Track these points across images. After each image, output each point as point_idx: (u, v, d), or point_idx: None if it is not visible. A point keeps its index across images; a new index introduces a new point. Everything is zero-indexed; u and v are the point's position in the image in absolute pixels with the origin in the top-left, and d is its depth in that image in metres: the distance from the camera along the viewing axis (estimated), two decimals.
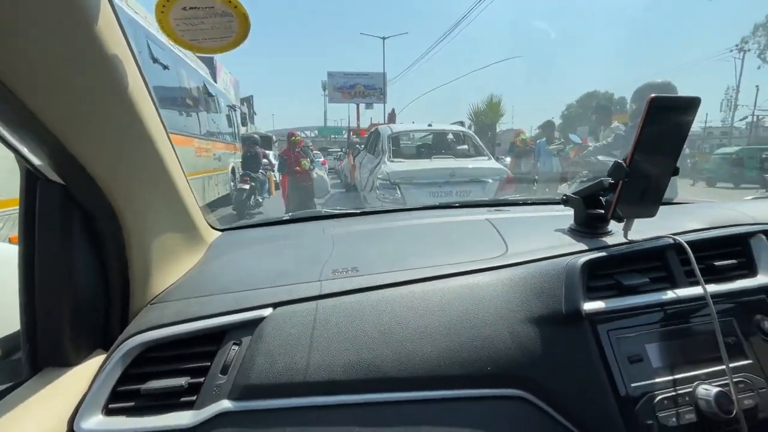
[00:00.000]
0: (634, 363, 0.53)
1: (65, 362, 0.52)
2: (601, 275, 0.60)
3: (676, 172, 0.62)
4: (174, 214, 0.66)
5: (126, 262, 0.56)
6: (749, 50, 21.01)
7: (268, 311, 0.54)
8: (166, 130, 0.58)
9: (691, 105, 0.56)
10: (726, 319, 0.59)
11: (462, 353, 0.52)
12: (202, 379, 0.49)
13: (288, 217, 1.07)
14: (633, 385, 0.52)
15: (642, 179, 0.60)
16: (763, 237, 0.66)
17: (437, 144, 5.70)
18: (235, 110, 9.79)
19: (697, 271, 0.56)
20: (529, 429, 0.51)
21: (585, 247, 0.64)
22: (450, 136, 5.78)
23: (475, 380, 0.51)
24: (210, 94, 7.33)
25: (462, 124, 6.47)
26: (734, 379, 0.54)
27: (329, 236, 0.86)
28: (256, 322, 0.53)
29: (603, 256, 0.59)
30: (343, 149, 14.71)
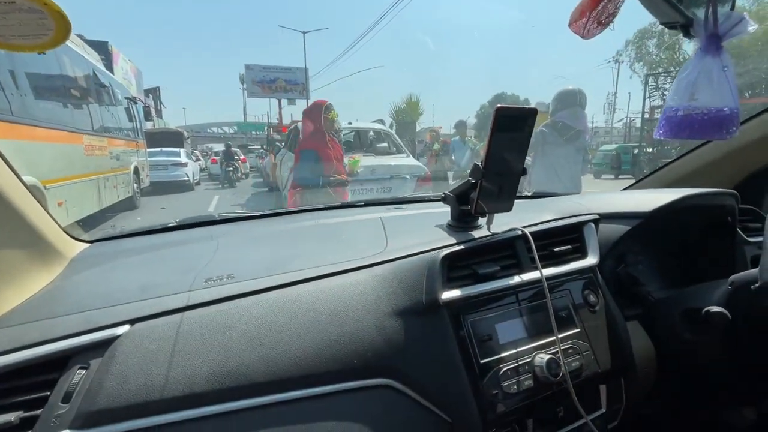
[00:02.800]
0: (485, 342, 0.61)
1: None
2: (461, 266, 0.66)
3: (524, 172, 0.71)
4: (8, 230, 0.58)
5: None
6: (623, 62, 24.72)
7: (123, 329, 0.51)
8: None
9: (530, 114, 0.65)
10: (562, 296, 0.70)
11: (329, 350, 0.54)
12: (38, 412, 0.45)
13: (174, 223, 1.00)
14: (483, 361, 0.59)
15: (497, 178, 0.68)
16: (592, 225, 0.79)
17: (358, 142, 5.76)
18: (136, 103, 8.76)
19: (536, 257, 0.66)
20: (396, 413, 0.55)
21: (453, 241, 0.70)
22: (371, 134, 5.87)
23: (343, 374, 0.54)
24: (102, 84, 6.46)
25: (382, 122, 6.61)
26: (564, 347, 0.64)
27: (215, 242, 0.82)
28: (109, 342, 0.49)
29: (462, 249, 0.66)
30: (264, 146, 14.08)
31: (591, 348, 0.68)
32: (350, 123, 5.66)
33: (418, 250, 0.66)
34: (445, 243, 0.69)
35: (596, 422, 0.66)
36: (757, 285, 0.56)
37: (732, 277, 0.66)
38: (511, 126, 0.65)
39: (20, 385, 0.46)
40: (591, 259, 0.75)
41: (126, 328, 0.51)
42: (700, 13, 0.39)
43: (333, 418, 0.51)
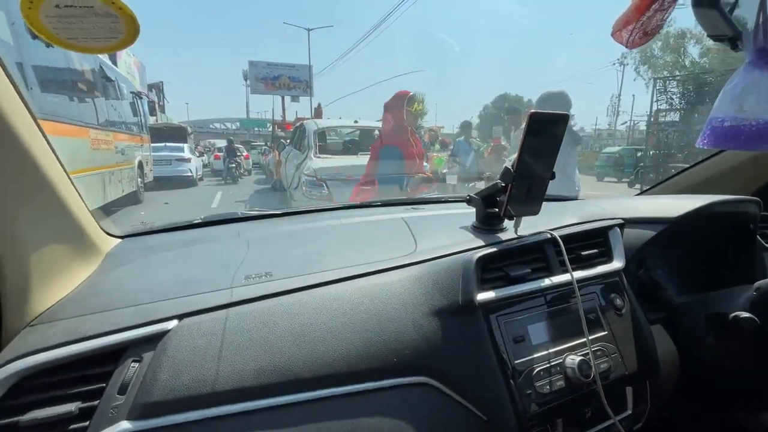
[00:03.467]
0: (518, 343, 0.62)
1: None
2: (493, 268, 0.68)
3: (553, 176, 0.73)
4: (56, 223, 0.59)
5: None
6: (627, 64, 24.75)
7: (173, 323, 0.52)
8: (39, 128, 0.52)
9: (562, 119, 0.66)
10: (590, 299, 0.71)
11: (371, 348, 0.55)
12: (96, 402, 0.46)
13: (200, 220, 1.01)
14: (516, 362, 0.60)
15: (526, 182, 0.69)
16: (617, 230, 0.81)
17: (364, 140, 5.76)
18: (140, 98, 8.77)
19: (567, 261, 0.67)
20: (433, 410, 0.56)
21: (482, 243, 0.71)
22: (376, 132, 5.87)
23: (383, 372, 0.55)
24: (108, 78, 6.47)
25: None
26: (593, 349, 0.66)
27: (244, 240, 0.84)
28: (160, 336, 0.51)
29: (494, 252, 0.67)
30: (268, 143, 14.06)
31: (618, 350, 0.69)
32: (356, 121, 5.66)
33: (452, 251, 0.68)
34: (476, 245, 0.71)
35: (623, 423, 0.67)
36: None
37: (757, 284, 0.67)
38: (542, 131, 0.66)
39: (77, 377, 0.48)
40: (617, 263, 0.76)
41: (175, 323, 0.52)
42: (750, 26, 0.40)
43: (375, 413, 0.53)
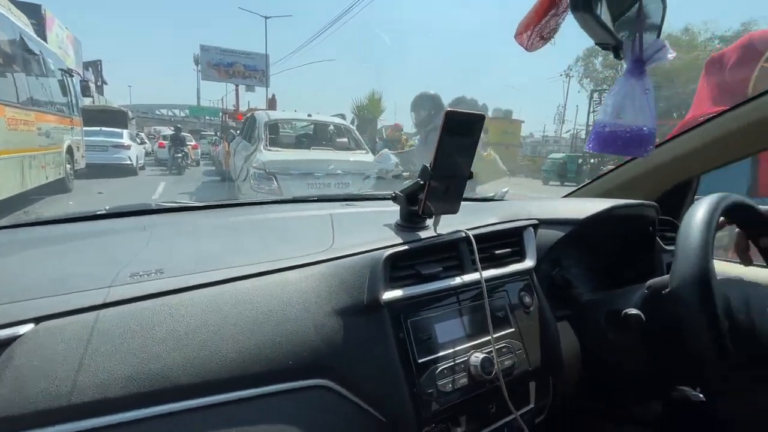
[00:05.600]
0: (424, 341, 0.62)
1: None
2: (405, 266, 0.67)
3: (471, 175, 0.73)
4: None
5: None
6: (572, 76, 26.52)
7: (26, 328, 0.45)
8: None
9: (478, 119, 0.67)
10: (500, 297, 0.73)
11: (265, 351, 0.52)
12: None
13: (104, 211, 0.91)
14: (420, 361, 0.60)
15: (444, 180, 0.69)
16: (531, 230, 0.84)
17: (317, 135, 5.66)
18: (72, 76, 7.97)
19: (477, 259, 0.68)
20: (330, 413, 0.54)
21: (399, 241, 0.70)
22: (331, 127, 5.79)
23: (278, 376, 0.52)
24: (31, 51, 5.80)
25: (343, 117, 6.55)
26: (498, 346, 0.67)
27: (148, 234, 0.77)
28: (6, 343, 0.44)
29: (406, 249, 0.67)
30: (218, 133, 13.39)
31: (524, 347, 0.71)
32: (310, 115, 5.54)
33: (363, 249, 0.66)
34: (391, 243, 0.69)
35: (525, 417, 0.69)
36: (667, 290, 0.62)
37: (649, 282, 0.72)
38: (459, 130, 0.66)
39: None
40: (528, 262, 0.78)
41: (29, 327, 0.45)
42: (629, 37, 0.42)
43: (266, 420, 0.50)
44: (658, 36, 0.50)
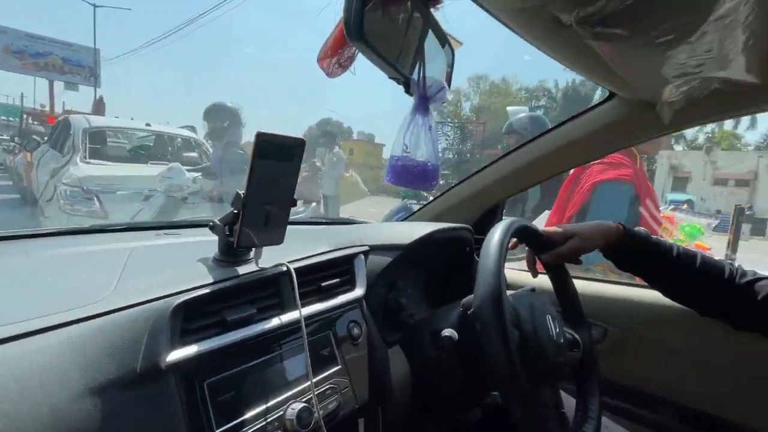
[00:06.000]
0: (227, 405, 0.52)
1: None
2: (210, 312, 0.56)
3: (294, 203, 0.68)
4: None
5: None
6: None
7: None
8: None
9: (296, 145, 0.62)
10: (325, 333, 0.68)
11: None
12: None
13: None
14: (220, 430, 0.50)
15: (262, 208, 0.61)
16: (362, 257, 0.83)
17: (159, 148, 4.91)
18: None
19: (297, 296, 0.62)
20: None
21: (208, 281, 0.59)
22: (178, 140, 5.10)
23: None
24: None
25: (194, 129, 5.85)
26: (322, 389, 0.62)
27: None
28: None
29: (210, 292, 0.56)
30: (16, 139, 10.41)
31: (350, 383, 0.68)
32: (148, 124, 4.78)
33: (146, 298, 0.52)
34: (194, 284, 0.58)
35: None
36: (471, 310, 0.67)
37: (463, 300, 0.78)
38: (276, 155, 0.60)
39: None
40: (358, 291, 0.76)
41: None
42: (415, 74, 0.44)
43: None
44: (449, 78, 0.55)
